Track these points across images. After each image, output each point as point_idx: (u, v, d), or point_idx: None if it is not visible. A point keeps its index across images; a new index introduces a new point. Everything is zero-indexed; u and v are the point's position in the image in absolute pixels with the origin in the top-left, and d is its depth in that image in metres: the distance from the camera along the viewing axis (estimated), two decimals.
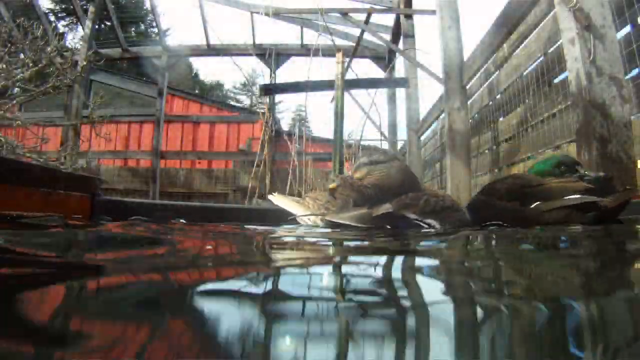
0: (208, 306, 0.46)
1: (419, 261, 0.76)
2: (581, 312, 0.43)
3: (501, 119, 3.45)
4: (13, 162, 1.81)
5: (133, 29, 15.16)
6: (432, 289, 0.55)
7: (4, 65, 3.74)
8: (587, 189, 1.27)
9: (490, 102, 3.69)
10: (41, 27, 4.17)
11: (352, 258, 0.82)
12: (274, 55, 7.42)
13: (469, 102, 3.82)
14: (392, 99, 6.92)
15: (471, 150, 3.51)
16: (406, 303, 0.49)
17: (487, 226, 1.36)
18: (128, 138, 9.98)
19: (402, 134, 6.70)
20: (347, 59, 5.33)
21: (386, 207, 1.28)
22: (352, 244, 1.03)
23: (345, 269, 0.69)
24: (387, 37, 6.39)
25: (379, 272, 0.67)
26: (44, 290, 0.54)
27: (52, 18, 15.40)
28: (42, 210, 1.49)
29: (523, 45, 2.97)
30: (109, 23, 8.69)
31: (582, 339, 0.37)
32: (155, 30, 9.26)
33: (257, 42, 7.52)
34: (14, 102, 3.99)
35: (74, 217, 1.63)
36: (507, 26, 2.69)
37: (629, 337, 0.37)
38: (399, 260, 0.77)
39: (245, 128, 9.89)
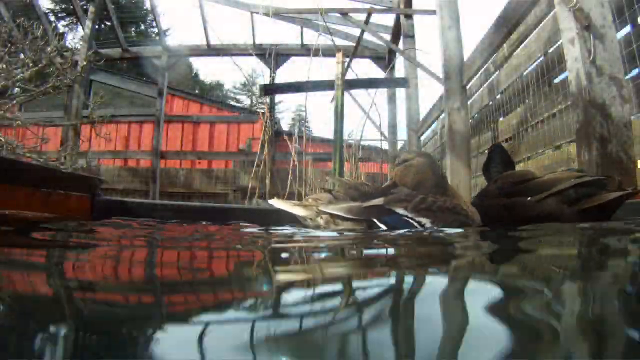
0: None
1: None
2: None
3: (501, 119, 3.45)
4: (13, 162, 1.81)
5: (133, 29, 15.15)
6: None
7: (4, 65, 3.74)
8: (578, 178, 1.26)
9: (490, 102, 3.68)
10: (41, 27, 4.17)
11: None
12: (274, 55, 7.42)
13: (469, 102, 3.82)
14: (392, 99, 6.91)
15: (471, 150, 3.50)
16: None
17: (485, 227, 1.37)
18: (128, 138, 9.98)
19: (402, 134, 6.70)
20: (347, 59, 5.33)
21: (377, 200, 1.29)
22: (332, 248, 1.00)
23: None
24: (387, 37, 6.38)
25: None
26: None
27: (52, 18, 15.40)
28: (42, 210, 1.49)
29: (523, 45, 2.97)
30: (109, 23, 8.69)
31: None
32: (155, 30, 9.26)
33: (257, 42, 7.52)
34: (14, 102, 3.99)
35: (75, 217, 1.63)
36: (507, 26, 2.69)
37: None
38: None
39: (245, 128, 9.89)
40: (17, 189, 1.41)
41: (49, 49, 4.07)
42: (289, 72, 8.19)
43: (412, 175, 1.39)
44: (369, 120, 5.03)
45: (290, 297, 0.53)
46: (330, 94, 4.08)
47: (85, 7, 8.16)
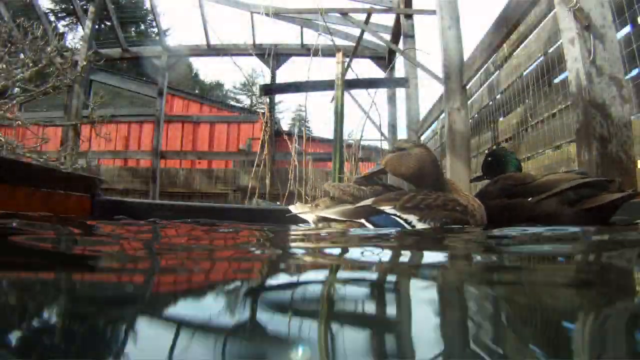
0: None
1: None
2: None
3: (501, 119, 3.45)
4: (13, 162, 1.81)
5: (133, 29, 15.16)
6: None
7: (4, 65, 3.74)
8: (579, 179, 1.26)
9: (490, 102, 3.68)
10: (41, 27, 4.17)
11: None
12: (273, 55, 7.41)
13: (469, 102, 3.82)
14: (392, 99, 6.91)
15: (471, 150, 3.51)
16: None
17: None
18: (128, 138, 9.98)
19: (402, 134, 6.70)
20: (347, 59, 5.33)
21: (367, 201, 1.30)
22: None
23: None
24: (387, 37, 6.38)
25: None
26: None
27: (52, 18, 15.40)
28: (42, 210, 1.49)
29: (523, 45, 2.97)
30: (109, 23, 8.69)
31: None
32: (155, 30, 9.26)
33: (257, 42, 7.52)
34: (14, 102, 3.99)
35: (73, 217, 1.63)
36: (507, 26, 2.69)
37: None
38: None
39: (245, 128, 9.90)
40: (17, 189, 1.41)
41: (49, 49, 4.08)
42: (289, 72, 8.21)
43: (410, 165, 1.37)
44: (369, 120, 5.03)
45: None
46: (330, 94, 4.08)
47: (85, 7, 8.16)
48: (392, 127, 6.84)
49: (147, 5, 11.23)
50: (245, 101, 24.59)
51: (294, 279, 0.65)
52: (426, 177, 1.38)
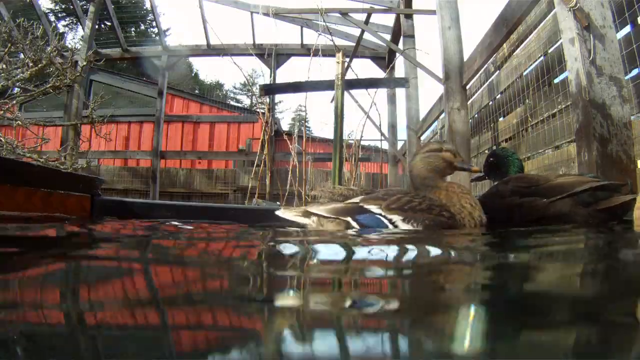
0: None
1: None
2: None
3: (501, 119, 3.45)
4: (13, 162, 1.81)
5: (133, 29, 15.15)
6: None
7: (4, 65, 3.74)
8: (593, 182, 1.30)
9: (490, 102, 3.68)
10: (41, 27, 4.17)
11: None
12: (274, 55, 7.42)
13: (469, 102, 3.82)
14: (392, 99, 6.92)
15: (471, 150, 3.50)
16: None
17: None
18: (128, 138, 9.98)
19: (402, 134, 6.71)
20: (347, 59, 5.33)
21: (355, 199, 1.34)
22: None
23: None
24: (387, 37, 6.38)
25: None
26: None
27: (52, 18, 15.41)
28: (42, 210, 1.49)
29: (523, 45, 2.97)
30: (109, 23, 8.68)
31: None
32: (155, 30, 9.25)
33: (257, 42, 7.52)
34: (14, 102, 3.99)
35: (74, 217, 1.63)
36: (507, 26, 2.69)
37: None
38: None
39: (245, 128, 9.90)
40: (17, 189, 1.41)
41: (49, 49, 4.08)
42: (289, 72, 8.21)
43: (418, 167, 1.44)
44: (369, 120, 5.02)
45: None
46: (330, 94, 4.08)
47: (85, 7, 8.16)
48: (392, 127, 6.85)
49: (147, 5, 11.23)
50: (245, 101, 24.62)
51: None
52: (422, 182, 1.42)
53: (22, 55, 4.09)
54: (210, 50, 7.66)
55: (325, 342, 0.37)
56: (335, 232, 1.24)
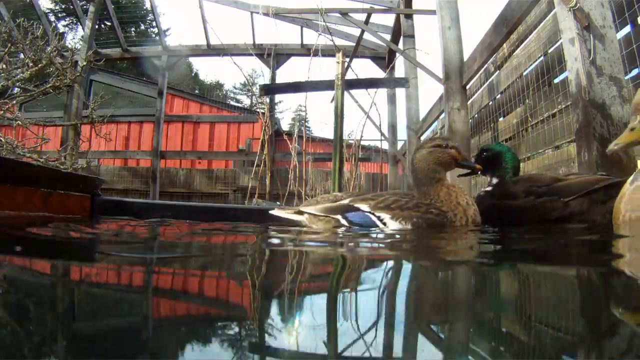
0: None
1: None
2: None
3: (501, 119, 3.45)
4: (13, 162, 1.81)
5: (133, 29, 15.16)
6: None
7: (4, 65, 3.74)
8: (606, 180, 1.30)
9: (490, 102, 3.68)
10: (41, 27, 4.17)
11: None
12: (273, 55, 7.42)
13: (469, 102, 3.82)
14: (392, 99, 6.91)
15: (471, 150, 3.50)
16: None
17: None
18: (128, 138, 9.98)
19: (402, 134, 6.70)
20: (347, 59, 5.33)
21: (344, 200, 1.40)
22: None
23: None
24: (387, 37, 6.38)
25: None
26: None
27: (52, 18, 15.41)
28: (42, 210, 1.49)
29: (523, 45, 2.96)
30: (109, 23, 8.68)
31: None
32: (155, 30, 9.26)
33: (257, 42, 7.52)
34: (14, 102, 3.99)
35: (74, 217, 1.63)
36: (507, 26, 2.69)
37: None
38: None
39: (245, 128, 9.90)
40: (17, 189, 1.41)
41: (49, 49, 4.07)
42: (289, 72, 8.21)
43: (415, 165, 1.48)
44: (369, 120, 5.02)
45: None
46: (330, 94, 4.08)
47: (85, 7, 8.16)
48: (392, 127, 6.84)
49: (147, 5, 11.23)
50: (245, 101, 24.62)
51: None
52: (426, 175, 1.44)
53: (22, 55, 4.09)
54: (210, 50, 7.66)
55: None
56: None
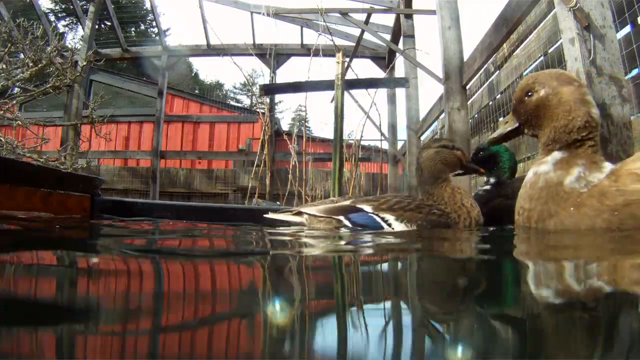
0: None
1: None
2: None
3: (501, 119, 3.45)
4: (13, 162, 1.81)
5: (133, 29, 15.15)
6: None
7: (4, 65, 3.74)
8: None
9: (490, 102, 3.68)
10: (41, 27, 4.17)
11: None
12: (274, 55, 7.41)
13: (469, 102, 3.82)
14: (392, 99, 6.91)
15: (471, 150, 3.50)
16: None
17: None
18: (128, 138, 9.98)
19: (402, 134, 6.70)
20: (347, 59, 5.32)
21: (346, 201, 1.40)
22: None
23: None
24: (387, 37, 6.38)
25: None
26: None
27: (52, 18, 15.40)
28: (42, 210, 1.49)
29: (523, 45, 2.96)
30: (109, 23, 8.68)
31: None
32: (155, 30, 9.26)
33: (257, 42, 7.52)
34: (14, 102, 3.98)
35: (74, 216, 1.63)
36: (507, 26, 2.68)
37: None
38: None
39: (245, 128, 9.89)
40: (17, 189, 1.41)
41: (49, 49, 4.07)
42: (289, 72, 8.20)
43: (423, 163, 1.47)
44: (369, 120, 5.02)
45: None
46: (330, 94, 4.08)
47: (85, 7, 8.16)
48: (392, 127, 6.84)
49: (147, 5, 11.23)
50: (245, 101, 24.62)
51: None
52: (432, 175, 1.44)
53: (22, 55, 4.09)
54: (210, 50, 7.65)
55: None
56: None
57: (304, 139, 4.79)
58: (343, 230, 1.28)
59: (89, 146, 5.57)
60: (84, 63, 5.07)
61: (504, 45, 3.08)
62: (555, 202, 1.00)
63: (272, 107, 6.50)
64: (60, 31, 13.65)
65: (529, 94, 1.14)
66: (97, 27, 7.75)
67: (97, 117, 4.90)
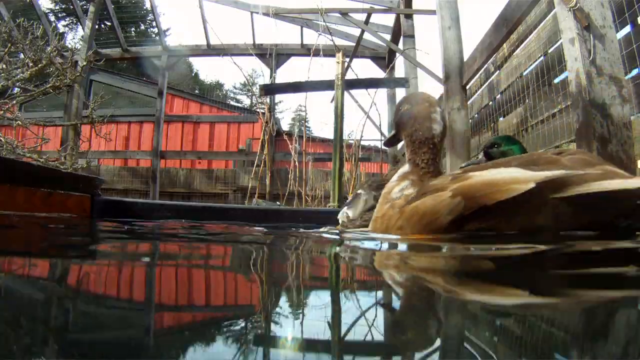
0: None
1: None
2: None
3: (501, 119, 3.45)
4: (13, 162, 1.81)
5: (133, 29, 15.15)
6: None
7: (4, 65, 3.74)
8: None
9: (490, 102, 3.68)
10: (41, 27, 4.17)
11: None
12: (274, 55, 7.41)
13: (469, 102, 3.82)
14: (392, 99, 6.91)
15: (471, 150, 3.50)
16: None
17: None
18: (128, 138, 9.97)
19: None
20: (347, 59, 5.33)
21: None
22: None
23: None
24: (387, 37, 6.38)
25: None
26: None
27: (52, 18, 15.41)
28: (42, 210, 1.49)
29: (523, 45, 2.96)
30: (109, 23, 8.68)
31: None
32: (155, 30, 9.26)
33: (257, 42, 7.52)
34: (14, 102, 3.99)
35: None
36: (507, 26, 2.69)
37: None
38: None
39: (245, 128, 9.89)
40: (17, 189, 1.41)
41: (49, 49, 4.07)
42: (289, 72, 8.20)
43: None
44: (369, 120, 5.03)
45: None
46: (330, 94, 4.08)
47: (85, 7, 8.16)
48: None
49: (147, 5, 11.23)
50: (245, 101, 24.61)
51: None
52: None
53: (22, 55, 4.09)
54: (210, 50, 7.65)
55: None
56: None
57: (304, 139, 4.79)
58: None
59: (89, 146, 5.58)
60: (84, 63, 5.07)
61: (504, 45, 3.08)
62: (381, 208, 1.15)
63: (272, 107, 6.50)
64: (60, 31, 13.66)
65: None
66: (97, 27, 7.75)
67: (97, 117, 4.90)
